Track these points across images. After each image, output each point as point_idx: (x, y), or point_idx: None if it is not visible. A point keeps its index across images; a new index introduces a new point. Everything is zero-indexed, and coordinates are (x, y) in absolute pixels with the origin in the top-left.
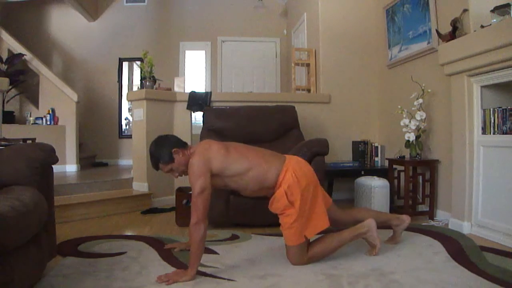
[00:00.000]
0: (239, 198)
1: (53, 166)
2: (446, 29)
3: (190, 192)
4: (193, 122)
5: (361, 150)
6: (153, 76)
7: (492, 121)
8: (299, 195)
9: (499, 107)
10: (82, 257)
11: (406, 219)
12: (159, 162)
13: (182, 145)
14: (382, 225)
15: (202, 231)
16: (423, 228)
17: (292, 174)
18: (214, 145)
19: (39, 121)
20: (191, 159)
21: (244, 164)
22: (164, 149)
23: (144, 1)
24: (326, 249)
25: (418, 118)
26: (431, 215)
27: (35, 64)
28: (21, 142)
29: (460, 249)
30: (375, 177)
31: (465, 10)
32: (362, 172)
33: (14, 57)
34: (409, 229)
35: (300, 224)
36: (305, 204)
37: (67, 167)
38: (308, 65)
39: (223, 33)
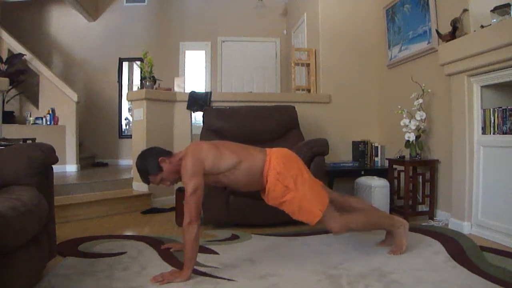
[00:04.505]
0: (239, 198)
1: (53, 166)
2: (446, 29)
3: None
4: (193, 122)
5: (361, 150)
6: (153, 76)
7: (492, 121)
8: (291, 178)
9: (499, 107)
10: (82, 257)
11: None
12: (148, 175)
13: (166, 154)
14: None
15: (196, 231)
16: (423, 228)
17: (276, 160)
18: (204, 146)
19: (39, 121)
20: (184, 161)
21: (233, 159)
22: (151, 161)
23: (144, 1)
24: (363, 222)
25: (418, 118)
26: (431, 215)
27: (35, 64)
28: (21, 142)
29: (460, 249)
30: (375, 177)
31: (465, 10)
32: (362, 172)
33: (14, 57)
34: (409, 229)
35: (307, 202)
36: (301, 182)
37: (67, 167)
38: (308, 65)
39: (223, 33)
